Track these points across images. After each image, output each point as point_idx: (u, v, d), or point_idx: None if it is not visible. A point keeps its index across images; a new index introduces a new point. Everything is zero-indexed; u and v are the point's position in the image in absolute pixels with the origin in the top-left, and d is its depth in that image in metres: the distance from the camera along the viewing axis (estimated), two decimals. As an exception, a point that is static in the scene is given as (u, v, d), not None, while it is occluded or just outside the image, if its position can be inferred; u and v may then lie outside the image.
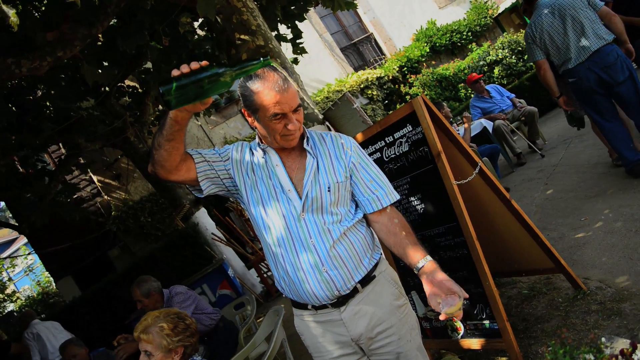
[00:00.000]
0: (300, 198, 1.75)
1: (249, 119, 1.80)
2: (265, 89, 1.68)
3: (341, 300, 1.78)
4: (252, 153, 1.85)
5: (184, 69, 1.48)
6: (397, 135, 2.65)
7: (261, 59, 1.51)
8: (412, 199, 2.70)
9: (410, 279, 2.91)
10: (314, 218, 1.75)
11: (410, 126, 2.57)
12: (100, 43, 5.11)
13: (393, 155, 2.71)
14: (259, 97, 1.69)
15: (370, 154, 2.85)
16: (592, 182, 4.66)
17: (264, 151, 1.82)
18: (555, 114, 8.90)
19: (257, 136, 1.85)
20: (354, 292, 1.79)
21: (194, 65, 1.48)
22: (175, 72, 1.48)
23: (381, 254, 1.93)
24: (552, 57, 4.16)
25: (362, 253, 1.81)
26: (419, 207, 2.68)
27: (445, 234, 2.58)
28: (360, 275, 1.79)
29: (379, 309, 1.82)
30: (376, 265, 1.86)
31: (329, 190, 1.76)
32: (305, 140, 1.82)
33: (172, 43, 4.20)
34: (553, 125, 7.98)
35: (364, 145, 2.86)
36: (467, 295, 1.61)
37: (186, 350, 2.19)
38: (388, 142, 2.71)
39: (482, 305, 2.57)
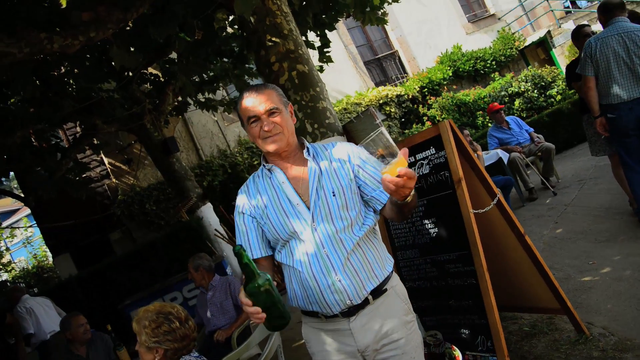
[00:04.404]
0: (309, 209, 1.79)
1: (248, 136, 1.91)
2: (242, 98, 1.86)
3: (352, 310, 1.80)
4: (258, 177, 1.95)
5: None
6: (419, 156, 2.65)
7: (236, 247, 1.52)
8: (426, 221, 2.69)
9: (412, 302, 2.89)
10: (325, 227, 1.78)
11: (433, 149, 2.56)
12: (129, 28, 5.14)
13: (412, 176, 2.70)
14: (240, 107, 1.87)
15: (389, 172, 2.84)
16: (604, 227, 4.63)
17: (270, 171, 1.90)
18: (572, 153, 8.87)
19: (261, 157, 1.96)
20: (365, 303, 1.80)
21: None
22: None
23: (392, 268, 1.95)
24: (600, 81, 4.08)
25: (374, 264, 1.84)
26: (432, 231, 2.67)
27: (456, 261, 2.56)
28: (372, 285, 1.81)
29: (388, 322, 1.84)
30: (388, 278, 1.88)
31: (334, 195, 1.80)
32: (306, 150, 1.89)
33: (203, 37, 4.22)
34: (569, 164, 7.94)
35: (384, 162, 2.85)
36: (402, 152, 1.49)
37: (166, 353, 2.17)
38: (409, 162, 2.70)
39: (483, 337, 2.54)
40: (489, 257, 2.54)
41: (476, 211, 2.46)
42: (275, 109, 1.81)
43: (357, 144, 3.93)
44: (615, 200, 5.15)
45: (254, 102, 1.81)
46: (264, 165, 1.92)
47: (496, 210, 2.65)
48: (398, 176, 1.46)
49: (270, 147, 1.82)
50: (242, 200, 1.94)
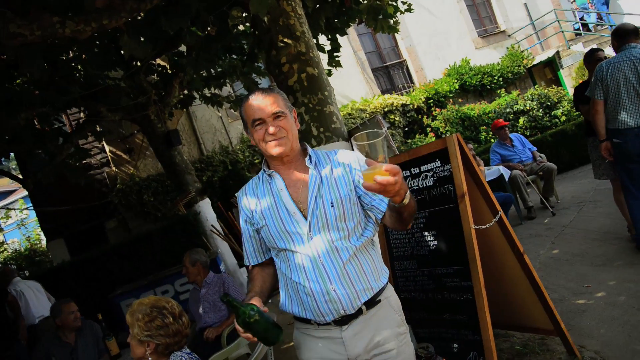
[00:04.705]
0: (306, 218, 1.79)
1: (252, 141, 1.91)
2: (246, 102, 1.86)
3: (345, 320, 1.80)
4: (258, 181, 1.95)
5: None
6: (424, 168, 2.64)
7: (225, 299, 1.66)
8: (426, 233, 2.68)
9: (406, 313, 2.88)
10: (322, 236, 1.79)
11: (439, 162, 2.56)
12: (140, 18, 5.14)
13: (415, 187, 2.70)
14: (244, 110, 1.87)
15: (392, 181, 2.84)
16: (600, 251, 4.63)
17: (270, 176, 1.90)
18: (573, 175, 8.88)
19: (263, 162, 1.95)
20: (358, 313, 1.81)
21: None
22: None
23: (388, 279, 1.95)
24: (609, 105, 4.09)
25: (370, 275, 1.83)
26: (431, 243, 2.66)
27: (454, 275, 2.55)
28: (366, 296, 1.81)
29: (380, 332, 1.84)
30: (382, 289, 1.88)
31: (332, 205, 1.79)
32: (308, 158, 1.88)
33: (216, 33, 4.21)
34: (569, 186, 7.95)
35: (388, 171, 2.85)
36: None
37: (158, 347, 2.16)
38: (413, 173, 2.70)
39: (476, 354, 2.53)
40: (486, 273, 2.53)
41: (477, 227, 2.45)
42: (281, 113, 1.81)
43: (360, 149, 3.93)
44: (614, 225, 5.15)
45: (259, 105, 1.80)
46: (264, 171, 1.92)
47: (497, 227, 2.65)
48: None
49: (274, 151, 1.81)
50: (243, 205, 1.95)
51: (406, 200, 1.59)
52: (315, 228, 1.78)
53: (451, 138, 2.47)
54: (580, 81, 5.01)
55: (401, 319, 1.94)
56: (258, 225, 1.89)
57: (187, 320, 2.26)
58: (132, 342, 2.15)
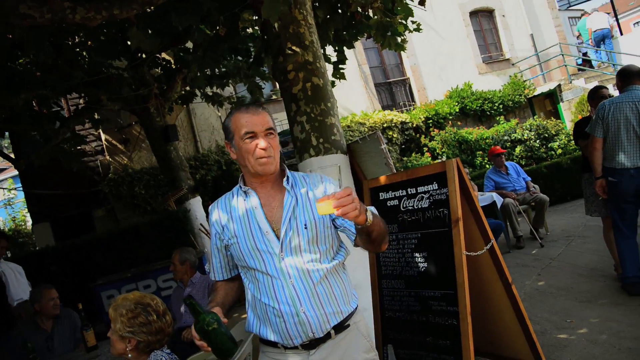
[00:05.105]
0: (278, 239, 1.79)
1: (230, 152, 1.89)
2: (238, 113, 1.84)
3: (313, 343, 1.79)
4: (232, 197, 1.93)
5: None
6: (420, 189, 2.65)
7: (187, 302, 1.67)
8: (417, 255, 2.68)
9: (390, 332, 2.87)
10: (293, 257, 1.78)
11: (436, 184, 2.57)
12: (150, 11, 5.13)
13: (410, 208, 2.70)
14: (233, 121, 1.84)
15: (388, 199, 2.84)
16: (586, 287, 4.64)
17: (246, 193, 1.88)
18: (564, 208, 8.93)
19: (240, 177, 1.93)
20: (327, 337, 1.80)
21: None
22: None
23: (357, 304, 1.95)
24: (607, 144, 4.13)
25: (340, 298, 1.84)
26: (421, 265, 2.66)
27: (440, 299, 2.55)
28: (336, 320, 1.81)
29: (348, 357, 1.84)
30: (352, 314, 1.89)
31: (305, 228, 1.79)
32: (286, 179, 1.88)
33: (225, 34, 4.21)
34: (560, 219, 7.98)
35: (385, 189, 2.85)
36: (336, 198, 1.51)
37: (139, 344, 2.13)
38: (410, 193, 2.70)
39: (455, 380, 2.52)
40: (472, 300, 2.53)
41: (469, 253, 2.45)
42: (272, 130, 1.83)
43: (359, 163, 3.93)
44: (601, 262, 5.17)
45: (253, 118, 1.80)
46: (240, 187, 1.90)
47: (487, 255, 2.65)
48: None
49: (261, 169, 1.81)
50: (214, 219, 1.93)
51: (369, 221, 1.62)
52: (288, 249, 1.78)
53: (451, 162, 2.48)
54: (580, 117, 5.06)
55: (370, 345, 1.93)
56: (228, 242, 1.87)
57: (170, 318, 2.24)
58: (113, 337, 2.13)
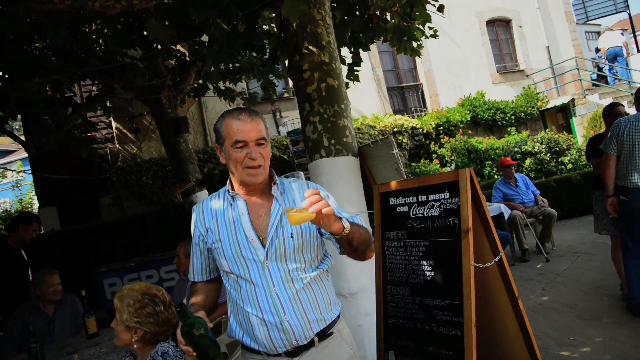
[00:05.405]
0: (264, 246, 1.77)
1: (220, 156, 1.86)
2: (230, 119, 1.79)
3: (296, 351, 1.79)
4: (218, 200, 1.90)
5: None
6: (431, 197, 2.62)
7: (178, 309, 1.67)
8: (424, 263, 2.66)
9: (392, 339, 2.85)
10: (278, 266, 1.77)
11: (448, 193, 2.54)
12: (168, 2, 5.13)
13: (420, 215, 2.68)
14: (224, 126, 1.79)
15: (398, 205, 2.82)
16: (590, 305, 4.60)
17: (233, 198, 1.85)
18: (571, 223, 8.87)
19: (228, 181, 1.90)
20: (310, 344, 1.81)
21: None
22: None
23: (340, 311, 1.96)
24: (621, 162, 4.10)
25: (323, 305, 1.84)
26: (427, 273, 2.64)
27: (445, 309, 2.53)
28: (319, 327, 1.81)
29: None
30: (334, 322, 1.89)
31: (291, 237, 1.78)
32: (275, 186, 1.86)
33: (245, 31, 4.20)
34: (566, 234, 7.93)
35: (395, 194, 2.83)
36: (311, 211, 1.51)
37: (145, 335, 2.13)
38: (420, 200, 2.68)
39: (455, 391, 2.50)
40: (477, 311, 2.50)
41: (477, 265, 2.43)
42: (263, 140, 1.79)
43: (369, 167, 3.91)
44: (607, 280, 5.13)
45: (244, 127, 1.75)
46: (228, 191, 1.87)
47: (495, 267, 2.62)
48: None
49: (249, 180, 1.79)
50: (198, 220, 1.91)
51: (346, 230, 1.62)
52: (273, 257, 1.77)
53: (464, 172, 2.46)
54: (593, 132, 5.03)
55: (353, 352, 1.94)
56: (212, 245, 1.85)
57: (174, 310, 2.22)
58: (119, 327, 2.12)
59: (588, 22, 20.02)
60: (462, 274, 2.43)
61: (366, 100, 11.69)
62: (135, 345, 2.11)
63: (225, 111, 1.85)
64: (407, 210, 2.76)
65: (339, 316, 1.92)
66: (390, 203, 2.88)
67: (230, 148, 1.76)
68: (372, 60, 12.03)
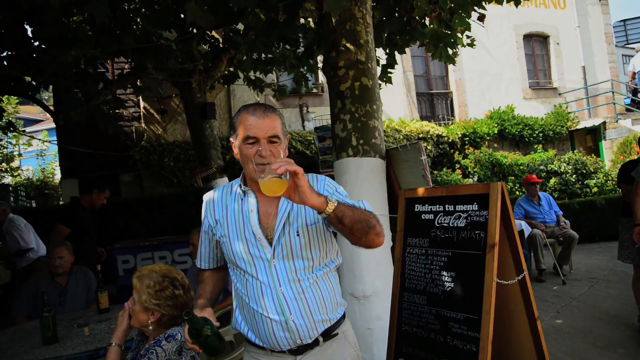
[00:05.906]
0: (271, 245, 1.74)
1: (233, 149, 1.82)
2: (245, 113, 1.75)
3: (300, 349, 1.78)
4: (230, 192, 1.87)
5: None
6: (459, 208, 2.57)
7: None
8: (444, 273, 2.61)
9: (403, 346, 2.81)
10: (285, 265, 1.75)
11: (476, 205, 2.49)
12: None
13: (445, 225, 2.63)
14: (239, 120, 1.76)
15: (423, 212, 2.77)
16: (605, 333, 4.50)
17: (245, 193, 1.82)
18: (591, 248, 8.69)
19: (241, 174, 1.86)
20: (315, 343, 1.80)
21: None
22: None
23: (344, 312, 1.94)
24: None
25: (330, 305, 1.82)
26: (447, 284, 2.59)
27: (462, 322, 2.48)
28: (324, 327, 1.80)
29: None
30: (339, 322, 1.88)
31: (297, 235, 1.75)
32: None
33: (284, 22, 4.17)
34: (585, 259, 7.78)
35: (421, 201, 2.78)
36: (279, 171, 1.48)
37: (162, 317, 2.12)
38: (447, 210, 2.63)
39: (464, 407, 2.45)
40: (494, 327, 2.45)
41: (500, 281, 2.37)
42: (277, 138, 1.73)
43: (395, 171, 3.86)
44: (624, 309, 5.01)
45: (257, 123, 1.71)
46: (240, 185, 1.84)
47: (517, 285, 2.57)
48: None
49: (256, 177, 1.71)
50: (209, 210, 1.89)
51: (330, 205, 1.55)
52: (280, 256, 1.74)
53: (495, 185, 2.40)
54: (622, 158, 4.91)
55: (356, 354, 1.94)
56: (220, 238, 1.84)
57: (192, 294, 2.22)
58: (136, 307, 2.11)
59: (627, 46, 19.61)
60: (483, 289, 2.38)
61: (394, 103, 11.61)
62: (150, 327, 2.10)
63: (243, 105, 1.82)
64: (433, 218, 2.72)
65: (343, 316, 1.91)
66: (416, 209, 2.84)
67: (242, 143, 1.73)
68: (404, 64, 11.94)
